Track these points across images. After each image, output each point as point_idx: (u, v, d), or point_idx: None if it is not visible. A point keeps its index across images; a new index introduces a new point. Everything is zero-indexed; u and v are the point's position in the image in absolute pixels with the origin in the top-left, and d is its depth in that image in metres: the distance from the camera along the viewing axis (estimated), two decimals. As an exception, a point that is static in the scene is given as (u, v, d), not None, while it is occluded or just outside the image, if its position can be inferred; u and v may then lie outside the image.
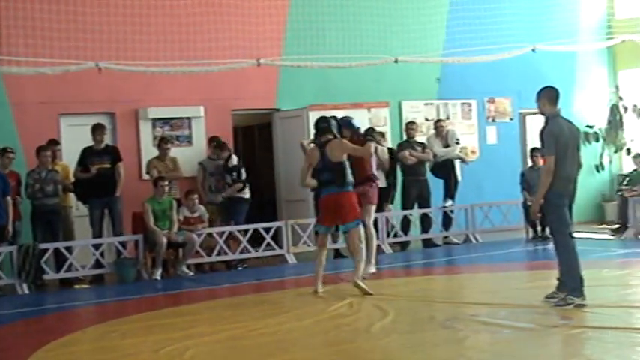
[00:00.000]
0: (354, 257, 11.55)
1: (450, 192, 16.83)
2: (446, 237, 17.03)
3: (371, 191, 12.49)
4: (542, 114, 10.02)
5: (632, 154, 18.49)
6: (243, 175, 15.29)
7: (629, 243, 15.49)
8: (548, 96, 9.91)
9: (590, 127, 19.49)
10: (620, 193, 17.63)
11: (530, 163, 17.07)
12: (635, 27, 18.73)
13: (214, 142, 15.52)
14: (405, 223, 16.53)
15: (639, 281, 11.57)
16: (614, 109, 19.77)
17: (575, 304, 9.49)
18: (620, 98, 19.93)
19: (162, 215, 14.39)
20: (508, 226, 17.35)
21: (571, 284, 9.57)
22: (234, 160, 15.31)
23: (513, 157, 18.95)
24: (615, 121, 19.80)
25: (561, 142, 9.63)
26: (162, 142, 15.31)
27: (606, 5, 20.04)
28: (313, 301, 11.16)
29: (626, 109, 19.79)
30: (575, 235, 9.85)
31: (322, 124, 11.79)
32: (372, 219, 12.66)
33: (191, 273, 14.54)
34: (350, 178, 11.50)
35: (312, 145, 15.26)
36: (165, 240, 14.13)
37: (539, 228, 16.66)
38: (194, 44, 15.47)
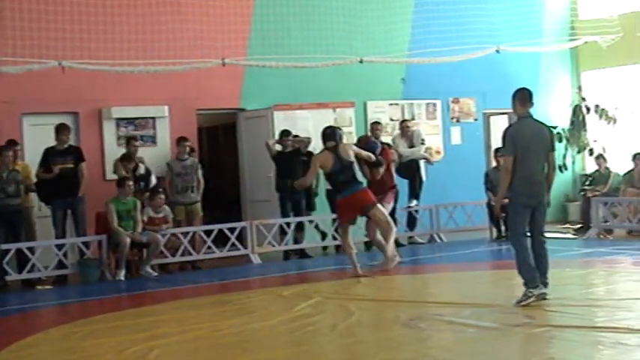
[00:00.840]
0: (385, 230, 12.78)
1: (414, 192, 16.87)
2: (410, 237, 17.07)
3: (390, 195, 14.01)
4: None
5: (595, 155, 18.63)
6: (153, 183, 15.16)
7: (592, 243, 15.61)
8: (519, 97, 10.10)
9: (554, 127, 19.60)
10: (582, 193, 17.77)
11: (494, 163, 17.16)
12: (598, 28, 18.86)
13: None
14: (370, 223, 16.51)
15: (601, 280, 11.65)
16: (577, 110, 19.92)
17: (534, 295, 9.66)
18: (583, 99, 20.09)
19: (127, 215, 14.30)
20: (472, 226, 17.43)
21: (526, 276, 9.76)
22: (142, 168, 15.16)
23: (477, 157, 19.04)
24: (578, 122, 19.95)
25: (521, 143, 9.76)
26: (130, 141, 15.20)
27: (569, 7, 20.18)
28: (278, 301, 11.15)
29: (588, 109, 19.94)
30: (546, 234, 10.08)
31: (328, 129, 12.91)
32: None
33: (155, 274, 14.47)
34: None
35: (277, 145, 15.38)
36: (128, 240, 14.04)
37: (503, 227, 16.73)
38: (158, 44, 15.38)
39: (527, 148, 9.77)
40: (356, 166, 12.75)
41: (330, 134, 12.73)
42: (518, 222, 9.88)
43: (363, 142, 13.98)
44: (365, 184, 12.96)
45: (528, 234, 9.95)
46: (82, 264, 14.21)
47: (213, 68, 15.69)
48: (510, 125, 10.14)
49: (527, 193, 9.81)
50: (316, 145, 16.38)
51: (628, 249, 14.71)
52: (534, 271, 9.77)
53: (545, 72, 20.09)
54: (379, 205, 12.77)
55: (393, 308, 10.29)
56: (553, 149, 10.14)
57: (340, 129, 13.24)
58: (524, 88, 10.18)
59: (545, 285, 9.81)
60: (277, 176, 15.80)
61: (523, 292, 9.72)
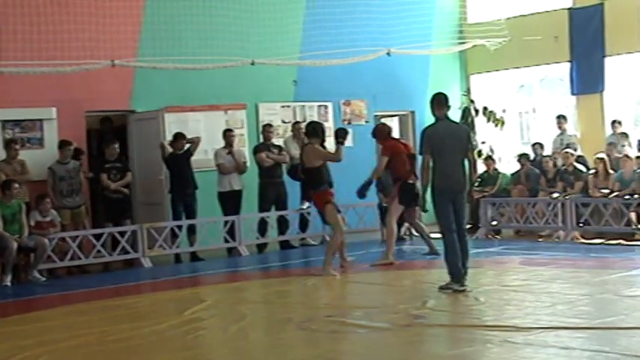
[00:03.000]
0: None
1: (306, 194, 16.89)
2: (303, 239, 17.10)
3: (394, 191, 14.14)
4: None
5: (483, 156, 18.96)
6: None
7: (481, 243, 15.88)
8: (436, 101, 10.95)
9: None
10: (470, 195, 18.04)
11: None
12: (486, 32, 19.22)
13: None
14: (262, 225, 16.52)
15: (490, 280, 11.85)
16: (465, 112, 20.23)
17: (453, 289, 10.52)
18: (472, 101, 20.42)
19: (12, 219, 13.97)
20: (364, 228, 17.54)
21: (451, 271, 10.62)
22: None
23: (369, 159, 19.11)
24: (467, 124, 20.25)
25: (435, 143, 10.63)
26: (10, 144, 14.87)
27: (458, 10, 20.49)
28: (169, 305, 11.07)
29: (477, 112, 20.28)
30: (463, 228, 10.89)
31: (317, 125, 13.23)
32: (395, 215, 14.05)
33: (43, 278, 14.17)
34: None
35: (169, 147, 15.26)
36: (15, 245, 13.73)
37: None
38: (46, 44, 15.05)
39: (442, 147, 10.60)
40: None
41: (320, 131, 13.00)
42: (444, 217, 10.67)
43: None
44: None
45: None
46: (-34, 270, 13.84)
47: (103, 69, 15.44)
48: (428, 127, 10.93)
49: (446, 187, 10.61)
50: (207, 146, 16.39)
51: (515, 248, 15.05)
52: (460, 268, 10.59)
53: (434, 75, 20.35)
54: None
55: (285, 310, 10.31)
56: (470, 147, 11.03)
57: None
58: (440, 93, 11.08)
59: (465, 273, 10.68)
60: (170, 178, 15.69)
61: (448, 281, 10.61)
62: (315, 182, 12.92)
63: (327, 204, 12.77)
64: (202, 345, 8.80)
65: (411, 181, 13.80)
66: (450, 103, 11.14)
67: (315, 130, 12.92)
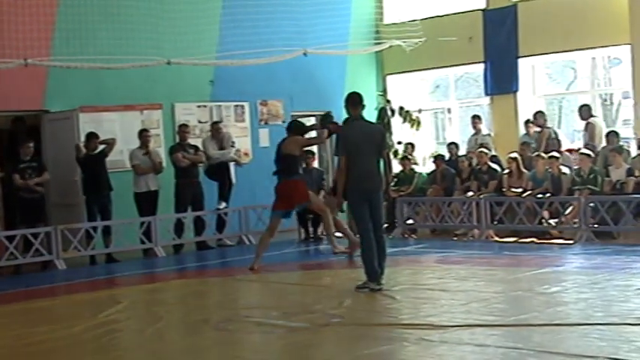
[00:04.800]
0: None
1: (224, 194, 16.85)
2: (220, 239, 17.03)
3: None
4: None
5: (400, 156, 19.10)
6: None
7: (397, 242, 16.00)
8: (350, 100, 11.00)
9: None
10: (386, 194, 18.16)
11: (303, 165, 17.34)
12: (402, 32, 19.36)
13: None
14: (179, 226, 16.41)
15: (406, 278, 11.94)
16: (382, 113, 20.35)
17: (370, 288, 10.60)
18: (388, 102, 20.56)
19: None
20: (281, 228, 17.46)
21: (368, 270, 10.68)
22: None
23: (286, 159, 19.13)
24: (383, 124, 20.38)
25: (351, 143, 10.70)
26: None
27: (374, 11, 20.60)
28: (84, 307, 10.92)
29: (393, 112, 20.42)
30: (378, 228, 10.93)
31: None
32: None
33: (-49, 282, 13.87)
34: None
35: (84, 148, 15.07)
36: None
37: (311, 229, 16.97)
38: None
39: (357, 148, 10.63)
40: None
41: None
42: (360, 217, 10.78)
43: None
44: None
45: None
46: None
47: (15, 69, 15.16)
48: (343, 127, 11.33)
49: (361, 188, 10.65)
50: (122, 146, 16.21)
51: (431, 247, 15.20)
52: (376, 268, 10.65)
53: (351, 75, 20.43)
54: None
55: (202, 312, 10.27)
56: (385, 147, 11.10)
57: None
58: (354, 93, 11.12)
59: (382, 272, 10.76)
60: (84, 179, 15.50)
61: (365, 280, 10.67)
62: (289, 170, 13.28)
63: (308, 192, 13.50)
64: (118, 347, 8.71)
65: None
66: (365, 102, 11.18)
67: (294, 126, 13.68)
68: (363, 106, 10.99)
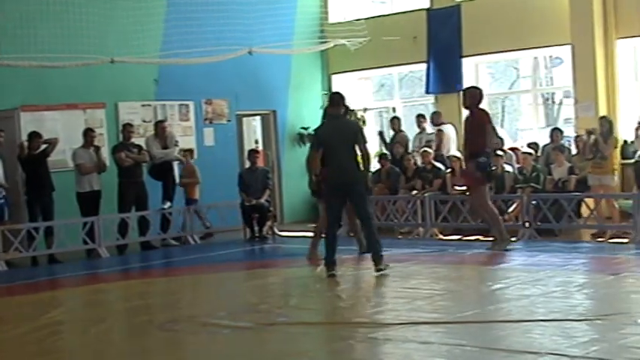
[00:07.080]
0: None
1: (168, 194, 16.76)
2: (164, 239, 16.92)
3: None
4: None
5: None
6: None
7: (342, 240, 15.91)
8: (330, 99, 12.08)
9: (305, 128, 19.95)
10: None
11: (247, 164, 17.34)
12: (347, 32, 19.39)
13: None
14: (123, 226, 16.28)
15: (350, 277, 11.97)
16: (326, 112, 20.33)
17: (328, 273, 11.39)
18: (333, 101, 20.55)
19: None
20: (226, 227, 17.48)
21: (327, 261, 11.49)
22: None
23: (231, 158, 19.11)
24: (328, 123, 20.42)
25: (325, 139, 11.57)
26: None
27: (319, 10, 20.61)
28: (27, 309, 10.80)
29: (338, 111, 20.41)
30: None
31: None
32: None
33: None
34: None
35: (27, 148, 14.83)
36: None
37: (256, 228, 16.92)
38: None
39: (330, 143, 11.47)
40: None
41: None
42: (330, 210, 11.67)
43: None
44: None
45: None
46: None
47: (-45, 67, 14.96)
48: (318, 127, 12.15)
49: (336, 182, 11.43)
50: (65, 145, 16.05)
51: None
52: (333, 260, 11.47)
53: (296, 74, 20.43)
54: None
55: (147, 312, 10.20)
56: (361, 141, 11.55)
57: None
58: (335, 92, 12.38)
59: (377, 263, 11.45)
60: (25, 179, 15.32)
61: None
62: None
63: None
64: (62, 349, 8.63)
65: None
66: (347, 102, 11.93)
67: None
68: (342, 106, 11.75)
